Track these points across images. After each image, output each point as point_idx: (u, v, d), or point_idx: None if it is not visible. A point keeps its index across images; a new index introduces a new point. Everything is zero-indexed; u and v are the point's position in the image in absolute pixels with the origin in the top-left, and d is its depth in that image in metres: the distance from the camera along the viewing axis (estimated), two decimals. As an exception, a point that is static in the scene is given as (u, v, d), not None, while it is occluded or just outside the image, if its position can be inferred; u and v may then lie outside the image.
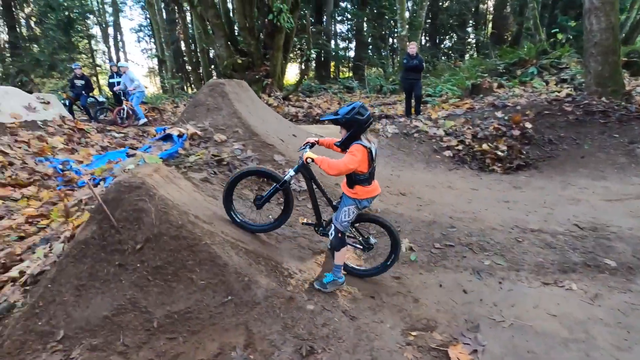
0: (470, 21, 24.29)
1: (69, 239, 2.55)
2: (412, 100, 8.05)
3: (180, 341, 1.96)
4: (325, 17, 21.88)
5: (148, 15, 24.37)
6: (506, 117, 6.60)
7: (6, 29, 20.73)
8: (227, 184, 2.65)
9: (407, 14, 15.09)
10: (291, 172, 2.57)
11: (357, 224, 2.75)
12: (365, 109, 2.36)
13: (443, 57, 20.99)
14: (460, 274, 2.97)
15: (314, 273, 2.62)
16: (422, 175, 5.58)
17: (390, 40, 22.48)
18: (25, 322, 1.93)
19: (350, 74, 23.94)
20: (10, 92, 6.10)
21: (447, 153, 6.26)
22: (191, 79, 22.83)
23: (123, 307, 2.01)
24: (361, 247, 2.80)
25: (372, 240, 2.78)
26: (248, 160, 4.00)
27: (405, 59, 7.69)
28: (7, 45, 21.44)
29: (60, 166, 5.39)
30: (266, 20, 11.69)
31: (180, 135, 4.06)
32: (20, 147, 5.24)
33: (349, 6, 23.23)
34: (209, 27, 12.42)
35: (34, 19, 21.75)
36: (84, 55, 26.38)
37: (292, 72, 26.46)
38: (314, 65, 22.48)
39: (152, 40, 28.41)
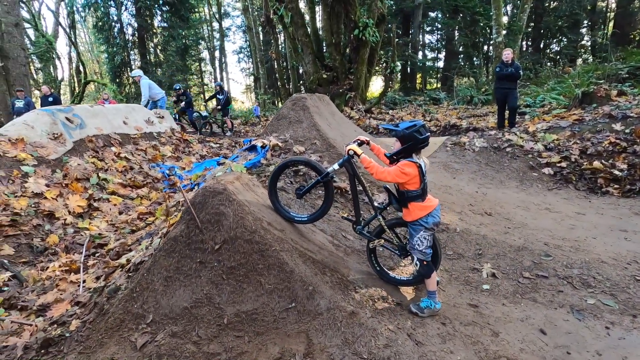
0: (585, 21, 21.28)
1: (164, 235, 2.91)
2: (506, 112, 7.34)
3: (245, 340, 2.07)
4: (412, 28, 21.47)
5: (248, 38, 27.08)
6: (627, 130, 5.56)
7: (139, 56, 25.00)
8: (273, 171, 2.76)
9: (504, 19, 13.93)
10: (335, 166, 2.58)
11: (397, 228, 2.68)
12: (426, 129, 2.34)
13: (548, 63, 18.74)
14: (554, 311, 2.55)
15: (380, 290, 2.53)
16: (513, 195, 5.01)
17: (485, 47, 20.97)
18: (125, 303, 2.26)
19: (438, 85, 22.95)
20: (136, 108, 7.34)
21: (547, 170, 5.51)
22: (281, 94, 24.52)
23: (200, 301, 2.21)
24: (397, 252, 2.67)
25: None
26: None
27: (499, 67, 7.08)
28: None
29: (167, 171, 6.25)
30: (352, 35, 11.96)
31: (263, 147, 4.36)
32: (139, 155, 6.23)
33: (439, 16, 22.43)
34: (299, 46, 13.22)
35: (159, 48, 25.83)
36: (194, 76, 30.42)
37: (376, 85, 26.50)
38: (399, 77, 22.13)
39: (250, 60, 31.41)
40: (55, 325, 2.39)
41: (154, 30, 24.97)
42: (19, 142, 4.63)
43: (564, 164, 5.48)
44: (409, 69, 22.02)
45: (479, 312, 2.51)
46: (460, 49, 21.39)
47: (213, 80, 32.37)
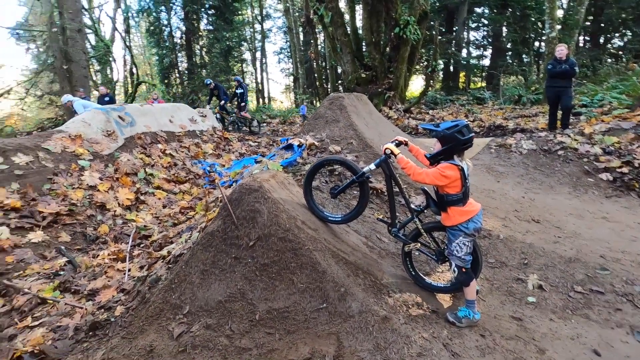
0: (655, 12, 19.25)
1: (203, 229, 3.02)
2: (559, 112, 6.82)
3: (276, 337, 2.08)
4: (457, 25, 20.65)
5: (288, 39, 27.51)
6: None
7: (186, 58, 26.25)
8: (308, 170, 2.74)
9: (559, 13, 12.99)
10: (371, 166, 2.52)
11: (434, 232, 2.57)
12: (470, 130, 2.20)
13: (609, 60, 17.21)
14: (610, 331, 2.32)
15: (415, 296, 2.44)
16: (565, 201, 4.64)
17: (536, 44, 19.70)
18: (165, 294, 2.36)
19: (483, 84, 21.90)
20: (181, 107, 7.71)
21: (605, 176, 5.05)
22: (319, 93, 24.64)
23: (233, 296, 2.25)
24: (435, 257, 2.55)
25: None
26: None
27: (551, 64, 6.59)
28: (186, 71, 27.06)
29: (208, 168, 6.49)
30: (392, 33, 11.74)
31: (299, 146, 4.39)
32: (183, 152, 6.53)
33: (485, 11, 21.38)
34: (338, 45, 13.20)
35: (204, 50, 26.96)
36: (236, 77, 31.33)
37: (417, 85, 25.82)
38: (441, 76, 21.40)
39: (290, 60, 31.89)
40: (102, 310, 2.56)
41: (200, 33, 26.12)
42: (77, 138, 5.02)
43: (625, 169, 4.99)
44: (451, 67, 21.20)
45: (523, 325, 2.34)
46: (509, 46, 20.24)
47: (254, 81, 33.23)
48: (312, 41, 20.57)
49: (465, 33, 22.03)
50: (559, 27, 12.29)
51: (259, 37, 33.18)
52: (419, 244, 2.51)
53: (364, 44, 13.98)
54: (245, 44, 32.03)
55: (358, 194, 2.79)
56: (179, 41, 25.55)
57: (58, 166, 4.44)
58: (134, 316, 2.36)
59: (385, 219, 2.72)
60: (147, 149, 5.84)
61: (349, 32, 13.26)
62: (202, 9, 24.01)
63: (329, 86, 21.54)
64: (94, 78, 24.38)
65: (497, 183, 5.20)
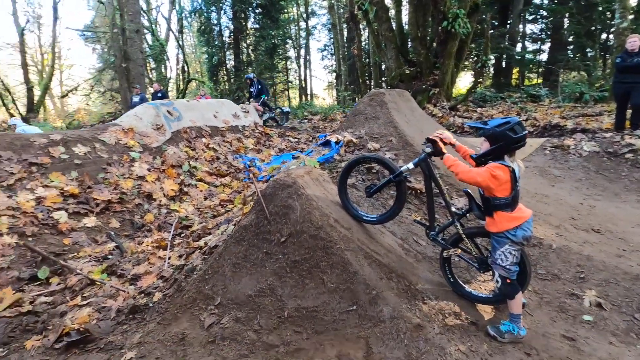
0: None
1: (238, 222, 3.06)
2: (628, 111, 6.12)
3: (303, 336, 2.04)
4: (511, 17, 19.35)
5: (332, 36, 27.46)
6: None
7: (233, 56, 27.14)
8: (343, 168, 2.66)
9: (632, 1, 11.68)
10: (409, 165, 2.41)
11: (477, 238, 2.40)
12: (523, 128, 2.01)
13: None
14: (684, 362, 2.02)
15: (452, 304, 2.29)
16: (632, 210, 4.14)
17: (603, 36, 17.91)
18: (199, 284, 2.42)
19: (538, 81, 20.35)
20: (225, 103, 7.96)
21: (683, 184, 4.44)
22: (361, 90, 24.34)
23: (263, 291, 2.25)
24: (476, 265, 2.36)
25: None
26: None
27: (620, 58, 5.92)
28: (233, 69, 27.99)
29: (249, 163, 6.64)
30: (439, 28, 11.24)
31: (337, 142, 4.32)
32: (225, 146, 6.73)
33: (544, 2, 19.81)
34: (382, 41, 12.90)
35: (251, 48, 27.71)
36: (280, 74, 31.96)
37: (465, 81, 24.62)
38: (492, 72, 20.20)
39: (333, 57, 31.84)
40: (143, 295, 2.68)
41: (247, 32, 26.88)
42: (129, 131, 5.35)
43: None
44: (503, 62, 19.92)
45: (576, 347, 2.10)
46: (570, 39, 18.59)
47: (297, 78, 33.60)
48: (355, 37, 20.35)
49: (520, 26, 20.59)
50: (631, 16, 11.03)
51: (303, 34, 33.49)
52: (459, 250, 2.34)
53: (409, 39, 13.54)
54: (290, 41, 32.49)
55: (395, 194, 2.67)
56: (227, 40, 26.48)
57: (112, 157, 4.76)
58: (169, 303, 2.45)
59: (424, 222, 2.58)
60: (192, 142, 6.09)
61: (393, 27, 12.91)
62: (250, 8, 24.65)
63: (372, 83, 21.21)
64: (150, 75, 26.06)
65: (552, 187, 4.78)
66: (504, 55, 18.92)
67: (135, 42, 14.75)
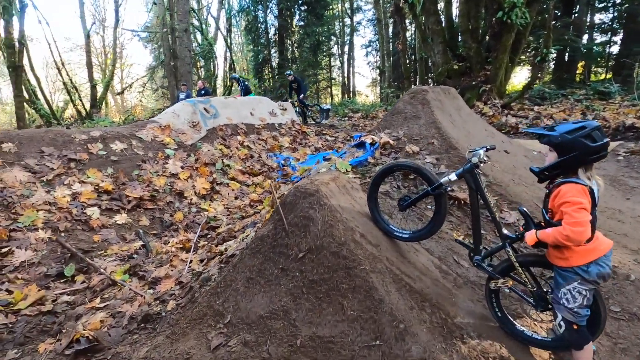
0: None
1: (256, 232, 2.87)
2: None
3: (316, 372, 1.78)
4: (579, 5, 17.49)
5: (377, 31, 26.77)
6: None
7: (278, 53, 27.45)
8: (374, 176, 2.37)
9: None
10: (451, 176, 2.05)
11: (534, 267, 1.95)
12: (603, 134, 1.57)
13: None
14: None
15: (499, 346, 1.90)
16: None
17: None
18: (210, 297, 2.25)
19: (608, 76, 18.24)
20: (262, 100, 7.89)
21: None
22: (405, 87, 23.45)
23: (276, 313, 2.02)
24: (532, 302, 1.93)
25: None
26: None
27: None
28: (276, 66, 28.33)
29: (282, 162, 6.49)
30: (493, 19, 10.34)
31: (372, 144, 3.99)
32: (260, 144, 6.64)
33: (619, -13, 17.66)
34: (429, 35, 12.20)
35: (295, 45, 27.86)
36: (324, 71, 31.82)
37: (522, 77, 22.81)
38: (552, 66, 18.47)
39: (378, 53, 31.08)
40: (158, 302, 2.57)
41: (292, 29, 27.04)
42: (166, 128, 5.40)
43: None
44: (566, 56, 18.08)
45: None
46: (650, 28, 16.37)
47: (341, 75, 33.25)
48: (400, 31, 19.58)
49: (589, 16, 18.57)
50: None
51: (348, 30, 33.02)
52: (511, 282, 1.94)
53: (458, 32, 12.67)
54: (334, 38, 32.22)
55: (433, 209, 2.31)
56: (272, 37, 26.84)
57: (147, 154, 4.81)
58: (181, 315, 2.31)
59: (467, 242, 2.20)
60: (226, 140, 6.05)
61: (442, 19, 12.13)
62: (295, 5, 24.74)
63: (416, 80, 20.33)
64: (200, 73, 27.13)
65: (627, 201, 4.07)
66: (568, 48, 17.15)
67: (184, 41, 15.29)
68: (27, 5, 14.70)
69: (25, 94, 17.32)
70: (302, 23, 26.45)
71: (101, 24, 29.20)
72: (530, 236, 1.72)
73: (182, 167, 4.99)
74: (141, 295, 2.69)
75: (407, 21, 18.51)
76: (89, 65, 23.20)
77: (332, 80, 33.96)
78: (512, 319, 2.03)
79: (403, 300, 1.97)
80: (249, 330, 2.01)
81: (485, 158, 1.99)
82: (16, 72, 13.65)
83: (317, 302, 2.00)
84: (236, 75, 11.96)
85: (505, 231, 1.98)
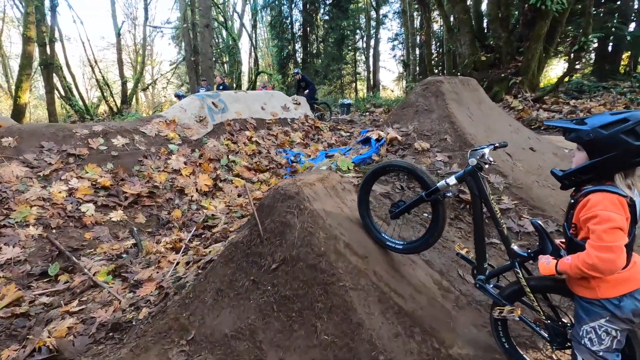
0: None
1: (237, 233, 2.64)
2: None
3: (278, 407, 1.53)
4: (625, -10, 16.01)
5: (402, 23, 25.93)
6: None
7: (302, 48, 27.24)
8: (365, 177, 2.09)
9: None
10: (450, 179, 1.72)
11: (550, 294, 1.60)
12: None
13: None
14: None
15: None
16: None
17: None
18: (178, 308, 2.04)
19: (658, 67, 16.63)
20: (275, 95, 7.68)
21: None
22: (432, 81, 22.58)
23: (242, 332, 1.78)
24: (547, 337, 1.56)
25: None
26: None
27: None
28: (300, 61, 28.15)
29: (292, 158, 6.25)
30: (526, 5, 9.58)
31: (378, 140, 3.66)
32: (269, 139, 6.43)
33: (674, -32, 16.01)
34: (455, 25, 11.54)
35: (320, 39, 27.55)
36: (349, 65, 31.31)
37: (559, 70, 21.36)
38: (593, 57, 17.13)
39: (404, 47, 30.16)
40: (132, 308, 2.41)
41: (317, 23, 26.75)
42: (171, 123, 5.30)
43: None
44: (609, 45, 16.66)
45: None
46: None
47: (366, 70, 32.56)
48: (424, 21, 18.81)
49: (636, 1, 17.00)
50: None
51: (373, 24, 32.25)
52: (519, 310, 1.58)
53: (486, 21, 11.91)
54: (359, 32, 31.57)
55: (430, 217, 1.98)
56: (297, 32, 26.66)
57: (149, 149, 4.72)
58: (149, 325, 2.11)
59: (471, 258, 1.86)
60: (234, 135, 5.89)
61: (469, 8, 11.43)
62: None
63: (443, 73, 19.47)
64: (225, 69, 27.40)
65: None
66: (611, 37, 15.78)
67: (205, 36, 15.34)
68: (57, 4, 15.26)
69: (61, 90, 18.14)
70: (326, 17, 26.09)
71: (132, 22, 30.06)
72: (545, 266, 1.36)
73: (185, 163, 4.87)
74: (118, 300, 2.53)
75: (433, 11, 17.72)
76: (120, 62, 23.98)
77: (357, 75, 33.37)
78: (523, 353, 1.68)
79: (388, 324, 1.67)
80: (211, 350, 1.78)
81: (490, 158, 1.64)
82: (47, 70, 14.21)
83: (288, 323, 1.74)
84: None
85: (515, 247, 1.63)
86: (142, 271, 2.96)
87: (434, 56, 22.01)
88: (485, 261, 1.73)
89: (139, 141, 4.72)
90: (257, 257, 1.96)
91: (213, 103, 6.00)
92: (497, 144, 1.75)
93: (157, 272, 2.92)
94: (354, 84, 32.07)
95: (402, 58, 30.30)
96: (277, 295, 1.81)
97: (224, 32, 27.02)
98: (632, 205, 1.22)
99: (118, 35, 24.15)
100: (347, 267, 1.82)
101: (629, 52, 17.59)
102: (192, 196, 4.50)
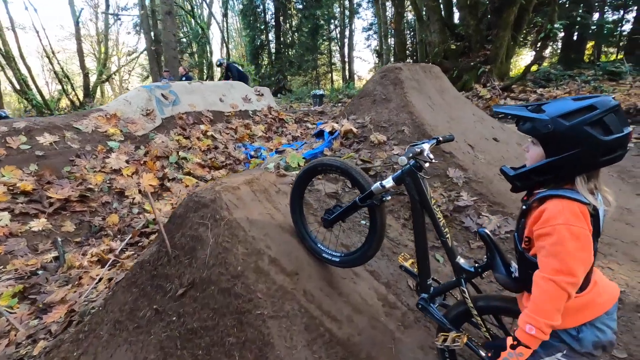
0: None
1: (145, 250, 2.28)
2: None
3: None
4: (590, -21, 16.31)
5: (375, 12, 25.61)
6: None
7: (275, 38, 26.48)
8: (295, 179, 1.79)
9: None
10: (386, 182, 1.44)
11: (500, 315, 1.35)
12: (622, 119, 0.94)
13: None
14: None
15: None
16: None
17: None
18: (71, 343, 1.68)
19: (620, 56, 17.16)
20: (235, 85, 7.21)
21: None
22: (405, 71, 22.47)
23: (135, 377, 1.44)
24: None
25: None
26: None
27: None
28: (273, 51, 27.40)
29: (252, 153, 5.87)
30: (494, -9, 9.47)
31: (331, 132, 3.35)
32: (228, 133, 6.01)
33: (634, -42, 16.43)
34: (424, 12, 11.34)
35: (293, 29, 26.88)
36: (324, 56, 30.76)
37: (527, 59, 21.72)
38: (559, 46, 17.46)
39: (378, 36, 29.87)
40: (29, 341, 2.02)
41: (290, 12, 26.04)
42: (112, 118, 4.79)
43: None
44: (575, 34, 16.99)
45: None
46: (666, 3, 15.23)
47: (340, 61, 32.10)
48: (393, 8, 18.56)
49: (600, -10, 17.37)
50: None
51: (348, 13, 31.73)
52: (464, 337, 1.32)
53: (456, 9, 11.78)
54: (334, 21, 31.03)
55: (368, 225, 1.69)
56: (269, 21, 25.87)
57: (84, 147, 4.22)
58: (39, 365, 1.74)
59: (410, 269, 1.58)
60: (186, 130, 5.43)
61: (439, -5, 11.26)
62: (293, -13, 23.77)
63: (417, 62, 19.37)
64: (196, 60, 26.28)
65: (638, 197, 3.41)
66: (577, 27, 16.08)
67: (167, 24, 14.49)
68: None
69: (16, 83, 16.80)
70: (300, 6, 25.45)
71: (93, 9, 28.28)
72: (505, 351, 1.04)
73: (127, 162, 4.40)
74: (16, 330, 2.13)
75: (404, -1, 17.46)
76: (80, 52, 22.54)
77: (333, 66, 32.93)
78: (472, 382, 1.43)
79: (313, 359, 1.38)
80: (98, 401, 1.44)
81: (431, 156, 1.36)
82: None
83: (193, 363, 1.41)
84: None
85: (460, 261, 1.36)
86: (57, 291, 2.55)
87: (408, 46, 21.89)
88: (428, 277, 1.46)
89: (71, 138, 4.21)
90: (163, 279, 1.61)
91: (163, 95, 5.51)
92: (440, 138, 1.48)
93: (75, 292, 2.52)
94: (330, 74, 31.64)
95: (376, 48, 30.07)
96: (182, 328, 1.48)
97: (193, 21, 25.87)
98: (594, 215, 0.96)
99: (77, 23, 22.64)
100: (269, 289, 1.51)
101: (593, 42, 18.05)
102: (133, 198, 4.06)
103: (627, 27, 18.31)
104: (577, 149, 0.94)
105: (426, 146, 1.35)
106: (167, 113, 5.39)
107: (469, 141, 3.41)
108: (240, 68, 11.07)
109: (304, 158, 3.15)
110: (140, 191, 4.17)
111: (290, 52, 27.37)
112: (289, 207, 1.84)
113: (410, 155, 1.33)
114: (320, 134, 3.54)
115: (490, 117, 4.64)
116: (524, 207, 1.10)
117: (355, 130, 3.30)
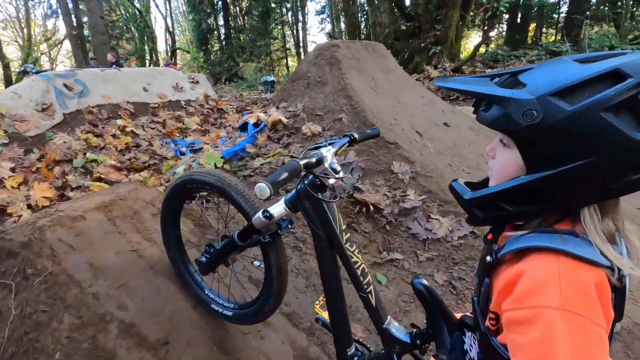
0: None
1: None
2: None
3: None
4: (530, -40, 16.71)
5: (329, -5, 24.81)
6: None
7: (223, 22, 24.93)
8: (163, 201, 1.24)
9: None
10: (277, 208, 0.90)
11: None
12: None
13: None
14: None
15: None
16: None
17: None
18: None
19: (559, 37, 17.96)
20: (164, 72, 6.36)
21: None
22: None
23: None
24: None
25: None
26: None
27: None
28: (222, 36, 25.85)
29: (183, 149, 5.14)
30: (441, -31, 9.20)
31: (256, 125, 2.78)
32: (154, 128, 5.22)
33: (570, -60, 17.02)
34: (373, -9, 10.90)
35: (243, 12, 25.44)
36: (278, 41, 29.55)
37: (475, 40, 22.18)
38: (505, 28, 17.90)
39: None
40: None
41: (239, -6, 24.59)
42: (-6, 115, 3.86)
43: None
44: (519, 16, 17.49)
45: None
46: (598, -15, 16.01)
47: (294, 46, 31.05)
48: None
49: (540, -28, 17.91)
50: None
51: (299, -5, 30.63)
52: None
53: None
54: (286, 4, 29.82)
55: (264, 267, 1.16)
56: (217, 4, 24.20)
57: (-53, 155, 3.32)
58: None
59: (324, 318, 1.09)
60: (98, 126, 4.59)
61: (386, -27, 10.84)
62: (240, -33, 22.31)
63: (369, 46, 19.04)
64: (137, 47, 24.14)
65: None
66: (520, 9, 16.51)
67: (92, 6, 12.89)
68: None
69: None
70: (249, -12, 24.09)
71: (12, -6, 24.96)
72: None
73: (12, 170, 3.55)
74: None
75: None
76: (-6, 39, 19.85)
77: (287, 51, 31.87)
78: None
79: None
80: None
81: (337, 167, 0.84)
82: None
83: None
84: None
85: (392, 327, 0.88)
86: None
87: (362, 28, 21.45)
88: (348, 346, 0.98)
89: None
90: None
91: (65, 85, 4.59)
92: (355, 135, 0.97)
93: None
94: (285, 60, 30.61)
95: (329, 32, 29.40)
96: None
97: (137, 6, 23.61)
98: (617, 287, 0.51)
99: (-13, 7, 19.89)
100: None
101: (535, 22, 18.70)
102: (20, 215, 3.25)
103: (564, 8, 19.16)
104: (587, 158, 0.47)
105: (328, 153, 0.83)
106: (72, 107, 4.50)
107: (416, 127, 2.99)
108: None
109: (222, 157, 2.57)
110: (29, 206, 3.37)
111: (241, 37, 26.00)
112: (162, 239, 1.27)
113: (310, 165, 0.80)
114: (245, 127, 2.96)
115: (441, 100, 4.29)
116: (488, 258, 0.62)
117: (285, 120, 2.76)
